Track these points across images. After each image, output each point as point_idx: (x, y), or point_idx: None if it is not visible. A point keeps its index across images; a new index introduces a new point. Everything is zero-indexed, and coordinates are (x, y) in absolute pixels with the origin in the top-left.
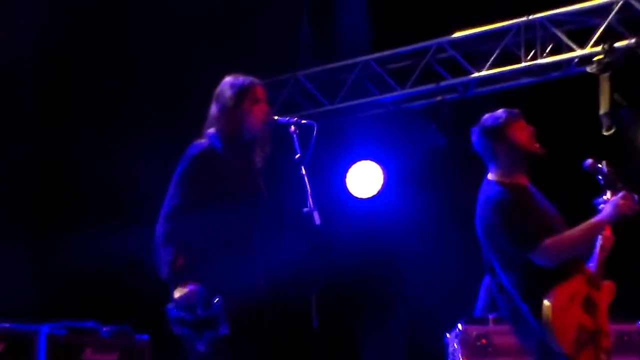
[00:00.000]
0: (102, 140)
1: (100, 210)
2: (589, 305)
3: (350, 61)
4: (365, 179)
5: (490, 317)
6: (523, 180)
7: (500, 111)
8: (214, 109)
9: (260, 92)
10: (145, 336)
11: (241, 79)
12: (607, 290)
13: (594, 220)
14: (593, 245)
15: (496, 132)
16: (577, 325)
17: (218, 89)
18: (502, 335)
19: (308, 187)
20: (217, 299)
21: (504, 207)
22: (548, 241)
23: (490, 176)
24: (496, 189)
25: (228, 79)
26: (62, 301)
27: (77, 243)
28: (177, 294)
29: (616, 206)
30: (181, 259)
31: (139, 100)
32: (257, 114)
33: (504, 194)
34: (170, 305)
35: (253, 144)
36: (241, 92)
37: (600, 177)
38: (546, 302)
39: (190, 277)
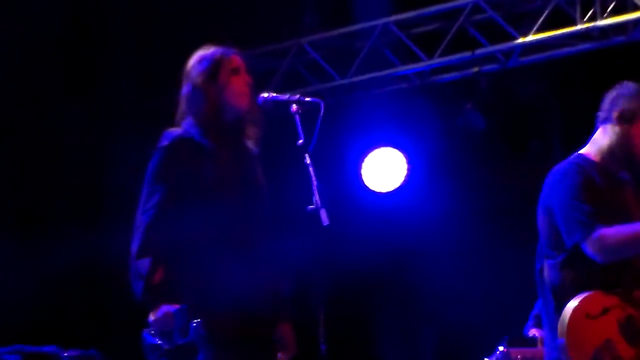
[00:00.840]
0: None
1: (68, 213)
2: (631, 329)
3: (365, 25)
4: (384, 169)
5: (539, 336)
6: None
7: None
8: (186, 90)
9: (236, 61)
10: None
11: (212, 49)
12: None
13: None
14: None
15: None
16: (602, 345)
17: (187, 67)
18: None
19: (314, 179)
20: (195, 323)
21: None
22: (605, 231)
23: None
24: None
25: (198, 53)
26: (17, 321)
27: (36, 251)
28: (152, 317)
29: None
30: (158, 275)
31: (123, 83)
32: (237, 86)
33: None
34: (145, 331)
35: (240, 125)
36: (214, 63)
37: None
38: (571, 304)
39: (167, 296)
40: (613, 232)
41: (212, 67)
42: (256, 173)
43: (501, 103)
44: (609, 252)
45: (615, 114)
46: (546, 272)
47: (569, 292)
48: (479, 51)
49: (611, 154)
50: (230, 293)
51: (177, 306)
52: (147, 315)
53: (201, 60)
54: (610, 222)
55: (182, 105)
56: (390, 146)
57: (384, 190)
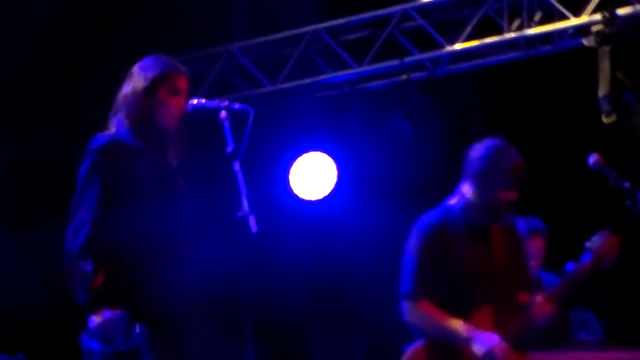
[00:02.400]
0: None
1: (43, 213)
2: None
3: (295, 31)
4: (313, 176)
5: None
6: None
7: None
8: (125, 89)
9: (182, 83)
10: None
11: (164, 61)
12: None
13: (464, 331)
14: None
15: None
16: None
17: (134, 67)
18: None
19: (243, 186)
20: (139, 328)
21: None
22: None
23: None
24: None
25: (149, 59)
26: None
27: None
28: (94, 321)
29: (485, 351)
30: (100, 277)
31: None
32: (172, 108)
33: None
34: (84, 335)
35: (165, 139)
36: (158, 77)
37: (608, 176)
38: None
39: (108, 300)
40: (430, 312)
41: (157, 80)
42: (179, 178)
43: (429, 111)
44: (412, 324)
45: (473, 173)
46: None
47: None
48: (407, 59)
49: (475, 208)
50: (167, 294)
51: (118, 311)
52: (84, 319)
53: (148, 69)
54: (450, 280)
55: (119, 102)
56: (320, 152)
57: (313, 198)
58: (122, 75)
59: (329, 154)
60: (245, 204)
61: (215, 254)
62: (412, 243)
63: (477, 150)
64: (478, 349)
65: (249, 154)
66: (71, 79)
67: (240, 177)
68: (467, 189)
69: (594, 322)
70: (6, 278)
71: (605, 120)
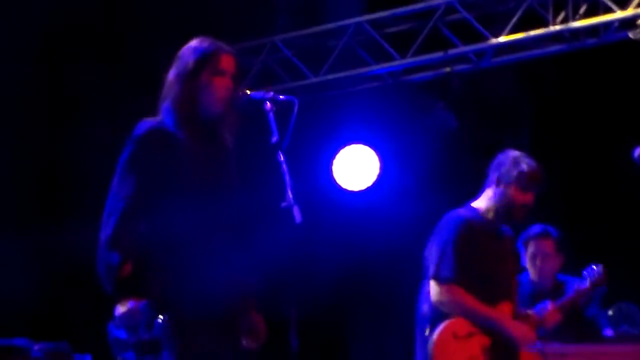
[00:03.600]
0: None
1: (33, 208)
2: (494, 353)
3: (339, 24)
4: (356, 167)
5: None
6: None
7: None
8: (171, 75)
9: (226, 62)
10: (88, 357)
11: (207, 43)
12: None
13: (497, 320)
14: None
15: None
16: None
17: (180, 52)
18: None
19: (287, 176)
20: (162, 319)
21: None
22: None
23: None
24: None
25: (193, 42)
26: None
27: (5, 244)
28: (119, 310)
29: (520, 338)
30: (127, 268)
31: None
32: (216, 89)
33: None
34: (110, 323)
35: (216, 123)
36: (202, 59)
37: None
38: (441, 325)
39: (134, 290)
40: (465, 297)
41: (199, 62)
42: (229, 169)
43: (473, 103)
44: (446, 305)
45: (495, 178)
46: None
47: (441, 315)
48: (451, 51)
49: (495, 211)
50: (198, 288)
51: (143, 301)
52: (112, 308)
53: (192, 52)
54: (479, 273)
55: (165, 88)
56: (363, 144)
57: (356, 189)
58: (167, 65)
59: (372, 146)
60: (289, 194)
61: (259, 244)
62: (448, 233)
63: (499, 158)
64: (515, 336)
65: (293, 145)
66: (110, 73)
67: (284, 168)
68: (489, 193)
69: (637, 315)
70: (41, 269)
71: None
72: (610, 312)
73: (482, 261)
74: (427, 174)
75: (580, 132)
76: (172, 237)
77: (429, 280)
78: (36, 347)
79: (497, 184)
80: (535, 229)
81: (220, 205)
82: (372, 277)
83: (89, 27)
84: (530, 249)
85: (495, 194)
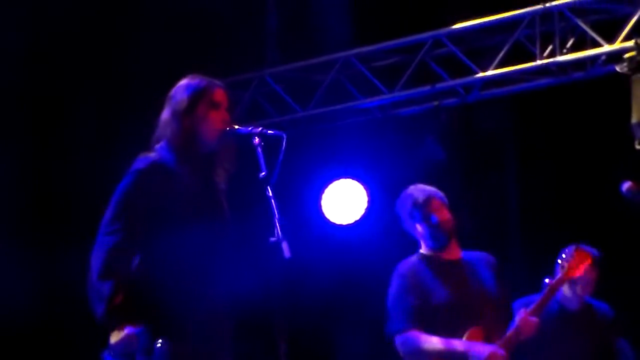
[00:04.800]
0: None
1: (23, 233)
2: None
3: (327, 58)
4: (345, 201)
5: None
6: None
7: None
8: (165, 115)
9: (219, 95)
10: None
11: (198, 80)
12: None
13: (462, 347)
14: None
15: None
16: None
17: (171, 91)
18: None
19: (276, 211)
20: (160, 344)
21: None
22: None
23: None
24: None
25: (184, 81)
26: None
27: None
28: (114, 338)
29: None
30: (119, 296)
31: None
32: (213, 122)
33: None
34: (105, 353)
35: (212, 159)
36: (196, 94)
37: None
38: None
39: (129, 317)
40: (422, 338)
41: (194, 98)
42: (222, 203)
43: (461, 136)
44: (409, 356)
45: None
46: None
47: None
48: (439, 85)
49: (430, 249)
50: (191, 316)
51: (140, 327)
52: (106, 337)
53: (185, 88)
54: (435, 311)
55: (160, 129)
56: (351, 178)
57: (344, 223)
58: (157, 102)
59: (360, 180)
60: (278, 229)
61: (249, 278)
62: (394, 286)
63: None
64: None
65: (282, 180)
66: (101, 110)
67: (273, 203)
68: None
69: (629, 351)
70: (29, 295)
71: (638, 146)
72: None
73: (434, 299)
74: None
75: (568, 164)
76: (169, 268)
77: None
78: None
79: (410, 232)
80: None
81: (215, 236)
82: (359, 309)
83: (86, 38)
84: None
85: (418, 240)
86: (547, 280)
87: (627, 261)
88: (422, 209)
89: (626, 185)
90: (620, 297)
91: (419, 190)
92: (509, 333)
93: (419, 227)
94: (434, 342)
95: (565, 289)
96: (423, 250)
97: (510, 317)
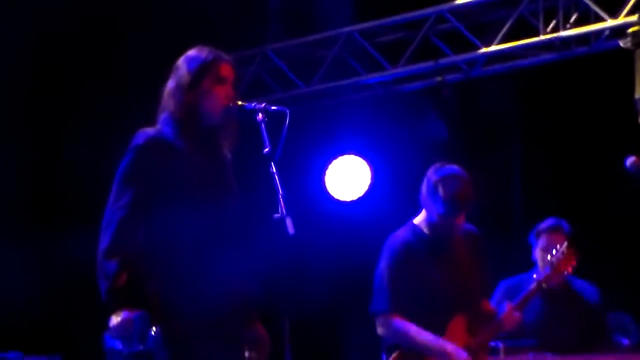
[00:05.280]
0: None
1: (28, 219)
2: None
3: (330, 33)
4: (348, 177)
5: (501, 346)
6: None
7: None
8: (169, 85)
9: (225, 70)
10: None
11: (206, 52)
12: None
13: (439, 345)
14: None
15: None
16: None
17: (177, 62)
18: None
19: (279, 188)
20: (155, 331)
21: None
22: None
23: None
24: None
25: (191, 52)
26: None
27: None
28: (114, 320)
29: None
30: (123, 276)
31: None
32: (218, 96)
33: None
34: (106, 334)
35: (214, 132)
36: (201, 67)
37: None
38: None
39: (129, 300)
40: (403, 326)
41: (199, 71)
42: (228, 177)
43: (465, 112)
44: (387, 337)
45: (422, 200)
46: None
47: (394, 344)
48: (442, 61)
49: (429, 228)
50: (198, 296)
51: (137, 312)
52: (108, 318)
53: (191, 60)
54: (422, 294)
55: (163, 99)
56: (355, 154)
57: (348, 199)
58: (161, 74)
59: (363, 156)
60: (282, 206)
61: (256, 253)
62: (383, 262)
63: (427, 177)
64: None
65: (285, 156)
66: (104, 85)
67: (276, 179)
68: (423, 211)
69: (631, 325)
70: (37, 280)
71: None
72: None
73: (423, 283)
74: (418, 183)
75: (572, 139)
76: (172, 245)
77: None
78: None
79: (425, 207)
80: (549, 221)
81: (220, 213)
82: (363, 285)
83: (86, 35)
84: (542, 242)
85: (426, 216)
86: (535, 276)
87: (626, 234)
88: (442, 209)
89: (630, 160)
90: (617, 269)
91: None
92: (492, 326)
93: (433, 215)
94: (411, 334)
95: (542, 267)
96: (422, 226)
97: (489, 295)
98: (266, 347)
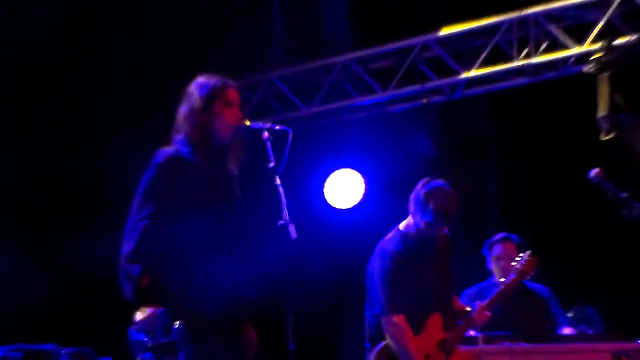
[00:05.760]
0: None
1: (58, 222)
2: None
3: (328, 61)
4: (344, 188)
5: (480, 335)
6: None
7: None
8: (182, 110)
9: (233, 94)
10: (109, 359)
11: (214, 79)
12: (460, 357)
13: (409, 350)
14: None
15: None
16: None
17: (189, 89)
18: (495, 356)
19: (283, 197)
20: (178, 325)
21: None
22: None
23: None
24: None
25: (200, 79)
26: (20, 322)
27: (33, 257)
28: (139, 316)
29: None
30: (146, 279)
31: (128, 102)
32: (228, 118)
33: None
34: (131, 328)
35: (225, 150)
36: (212, 93)
37: (607, 187)
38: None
39: (153, 298)
40: (400, 329)
41: (210, 96)
42: (236, 191)
43: (447, 130)
44: (389, 335)
45: (411, 210)
46: (366, 321)
47: (379, 338)
48: (427, 84)
49: (415, 235)
50: (209, 296)
51: (161, 308)
52: (132, 314)
53: (202, 87)
54: (409, 295)
55: (178, 122)
56: (350, 168)
57: (344, 207)
58: (174, 98)
59: (358, 170)
60: (285, 213)
61: (261, 257)
62: (381, 267)
63: (416, 190)
64: None
65: (288, 170)
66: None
67: (280, 190)
68: (410, 220)
69: (595, 316)
70: (69, 280)
71: (603, 137)
72: (570, 314)
73: (413, 284)
74: (407, 193)
75: (542, 154)
76: (188, 251)
77: (371, 310)
78: (63, 352)
79: (413, 215)
80: (499, 235)
81: (231, 221)
82: (356, 281)
83: (119, 57)
84: (494, 251)
85: (413, 223)
86: (501, 280)
87: (591, 237)
88: (433, 220)
89: (594, 172)
90: (582, 268)
91: (437, 201)
92: (465, 322)
93: (421, 226)
94: (405, 338)
95: (497, 274)
96: (408, 233)
97: (455, 292)
98: (255, 346)
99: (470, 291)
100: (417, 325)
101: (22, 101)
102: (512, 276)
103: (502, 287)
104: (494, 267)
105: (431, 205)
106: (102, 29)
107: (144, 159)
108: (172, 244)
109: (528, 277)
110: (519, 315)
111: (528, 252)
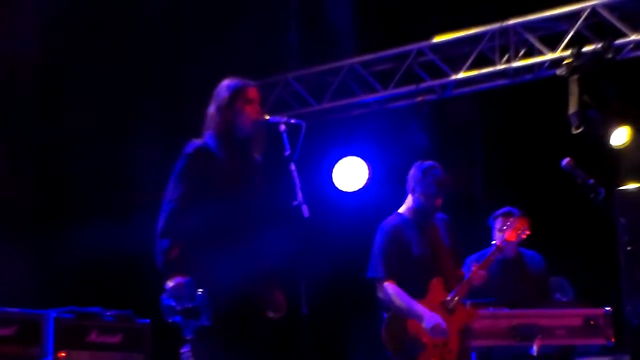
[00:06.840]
0: (104, 135)
1: (104, 203)
2: None
3: (336, 64)
4: (351, 174)
5: (468, 302)
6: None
7: None
8: (211, 109)
9: (253, 93)
10: (147, 320)
11: (236, 81)
12: (463, 314)
13: (418, 310)
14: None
15: None
16: (409, 337)
17: (216, 91)
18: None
19: (297, 181)
20: (201, 292)
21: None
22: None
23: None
24: None
25: (225, 81)
26: (70, 289)
27: (83, 235)
28: (169, 284)
29: (430, 328)
30: (175, 252)
31: (138, 97)
32: (249, 113)
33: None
34: (163, 295)
35: (248, 142)
36: (235, 92)
37: (577, 175)
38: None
39: (180, 269)
40: (395, 292)
41: (233, 95)
42: (258, 178)
43: (439, 124)
44: (385, 300)
45: (410, 188)
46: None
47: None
48: (422, 85)
49: (415, 213)
50: (231, 269)
51: (187, 278)
52: (164, 283)
53: (227, 88)
54: (409, 263)
55: (207, 120)
56: (356, 156)
57: (350, 190)
58: (201, 99)
59: (362, 157)
60: (299, 195)
61: (280, 235)
62: (378, 240)
63: (413, 170)
64: (425, 325)
65: (302, 157)
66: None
67: (295, 175)
68: (409, 200)
69: (567, 286)
70: (116, 254)
71: (574, 131)
72: None
73: (409, 254)
74: (405, 177)
75: (521, 145)
76: (212, 228)
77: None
78: (108, 314)
79: (412, 192)
80: (502, 209)
81: (251, 203)
82: (362, 255)
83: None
84: (498, 224)
85: (413, 200)
86: (494, 242)
87: (563, 216)
88: (433, 190)
89: (565, 161)
90: (555, 242)
91: (435, 173)
92: (463, 282)
93: (422, 199)
94: (401, 299)
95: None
96: (406, 214)
97: (461, 265)
98: (283, 309)
99: (473, 257)
100: (420, 290)
101: (41, 90)
102: (503, 237)
103: (494, 248)
104: (497, 237)
105: (430, 178)
106: (135, 23)
107: (168, 150)
108: (195, 223)
109: (521, 238)
110: (513, 285)
111: (516, 217)
